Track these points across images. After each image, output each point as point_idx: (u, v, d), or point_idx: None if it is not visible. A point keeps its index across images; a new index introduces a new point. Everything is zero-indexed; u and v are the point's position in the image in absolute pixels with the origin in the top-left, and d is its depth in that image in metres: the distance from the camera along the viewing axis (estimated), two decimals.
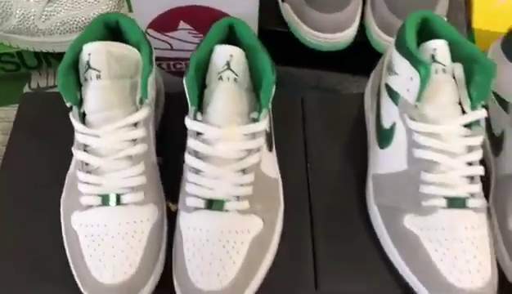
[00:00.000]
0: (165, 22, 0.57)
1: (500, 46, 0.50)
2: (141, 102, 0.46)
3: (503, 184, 0.49)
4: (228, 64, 0.45)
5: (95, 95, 0.44)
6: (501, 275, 0.46)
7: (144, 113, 0.45)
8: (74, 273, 0.45)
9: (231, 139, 0.44)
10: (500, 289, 0.45)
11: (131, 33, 0.47)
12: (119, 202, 0.44)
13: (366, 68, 0.60)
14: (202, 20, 0.57)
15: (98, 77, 0.44)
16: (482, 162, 0.51)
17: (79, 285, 0.44)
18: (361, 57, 0.62)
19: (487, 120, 0.52)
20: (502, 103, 0.49)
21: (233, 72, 0.45)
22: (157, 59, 0.63)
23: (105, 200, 0.44)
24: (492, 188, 0.50)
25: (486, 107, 0.47)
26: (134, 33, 0.47)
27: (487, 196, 0.50)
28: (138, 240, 0.44)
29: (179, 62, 0.63)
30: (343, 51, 0.66)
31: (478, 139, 0.46)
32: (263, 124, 0.46)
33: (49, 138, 0.53)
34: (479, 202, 0.46)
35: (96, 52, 0.44)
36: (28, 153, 0.54)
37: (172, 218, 0.49)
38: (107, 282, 0.43)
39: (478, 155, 0.46)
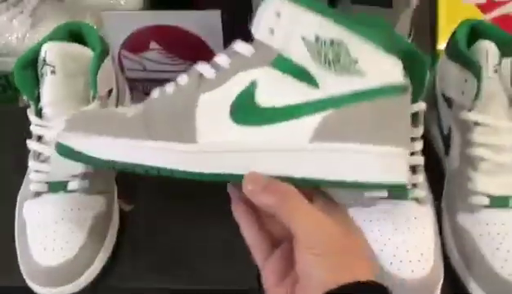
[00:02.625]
0: (137, 42, 0.61)
1: (445, 50, 0.51)
2: (94, 97, 0.49)
3: (452, 178, 0.48)
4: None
5: (49, 88, 0.47)
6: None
7: (94, 106, 0.48)
8: (19, 259, 0.46)
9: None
10: (449, 281, 0.44)
11: (90, 36, 0.51)
12: (65, 189, 0.46)
13: None
14: (171, 39, 0.61)
15: (52, 72, 0.47)
16: (439, 164, 0.52)
17: (21, 269, 0.45)
18: None
19: (439, 121, 0.53)
20: (447, 101, 0.50)
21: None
22: (132, 80, 0.66)
23: (51, 187, 0.46)
24: (445, 186, 0.50)
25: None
26: (93, 36, 0.51)
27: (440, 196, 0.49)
28: (80, 226, 0.45)
29: (153, 84, 0.67)
30: None
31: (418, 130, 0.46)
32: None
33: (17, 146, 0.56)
34: (422, 192, 0.45)
35: (51, 49, 0.47)
36: None
37: (124, 218, 0.51)
38: (46, 264, 0.43)
39: (419, 146, 0.46)
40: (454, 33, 0.50)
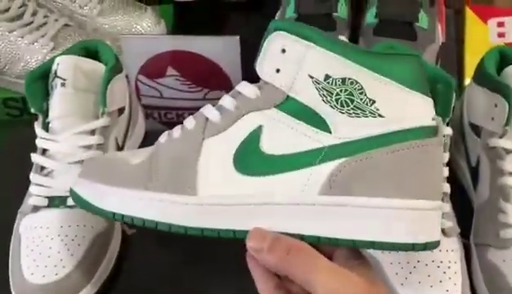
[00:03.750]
0: (154, 68, 0.60)
1: (472, 77, 0.49)
2: (103, 113, 0.47)
3: (481, 212, 0.44)
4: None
5: (58, 101, 0.46)
6: None
7: (102, 122, 0.47)
8: (10, 277, 0.43)
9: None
10: None
11: (105, 54, 0.50)
12: (65, 204, 0.44)
13: None
14: (188, 65, 0.60)
15: (63, 85, 0.46)
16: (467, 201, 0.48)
17: (11, 287, 0.42)
18: None
19: (466, 155, 0.49)
20: (475, 129, 0.47)
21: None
22: (148, 107, 0.65)
23: (51, 202, 0.44)
24: (473, 222, 0.45)
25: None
26: (108, 54, 0.50)
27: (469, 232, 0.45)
28: (78, 244, 0.42)
29: (169, 111, 0.65)
30: None
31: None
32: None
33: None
34: (448, 223, 0.41)
35: (63, 62, 0.47)
36: None
37: (126, 242, 0.48)
38: (35, 282, 0.40)
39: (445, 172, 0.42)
40: (482, 60, 0.47)
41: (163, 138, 0.36)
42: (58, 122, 0.46)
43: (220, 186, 0.32)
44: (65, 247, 0.42)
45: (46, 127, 0.47)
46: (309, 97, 0.32)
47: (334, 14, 0.61)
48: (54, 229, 0.43)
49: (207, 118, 0.35)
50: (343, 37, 0.34)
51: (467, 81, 0.63)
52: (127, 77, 0.56)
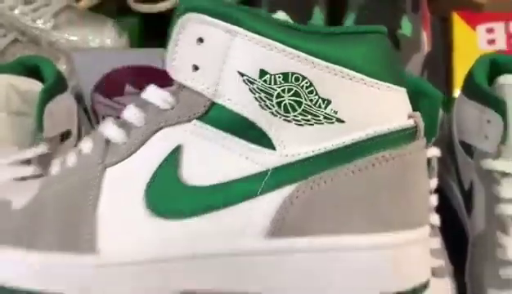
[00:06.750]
0: (110, 85, 0.55)
1: (462, 89, 0.43)
2: (40, 140, 0.41)
3: (476, 246, 0.38)
4: None
5: None
6: None
7: (38, 149, 0.40)
8: None
9: None
10: None
11: (47, 72, 0.44)
12: None
13: None
14: (148, 81, 0.55)
15: None
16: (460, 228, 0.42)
17: None
18: None
19: (458, 175, 0.43)
20: (467, 149, 0.41)
21: None
22: None
23: None
24: (468, 256, 0.40)
25: None
26: (49, 71, 0.44)
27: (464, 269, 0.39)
28: None
29: None
30: None
31: None
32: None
33: None
34: (438, 261, 0.35)
35: None
36: None
37: None
38: None
39: (433, 201, 0.37)
40: (471, 69, 0.42)
41: (55, 167, 0.28)
42: None
43: (126, 238, 0.24)
44: None
45: None
46: (241, 102, 0.25)
47: (309, 21, 0.56)
48: None
49: (107, 140, 0.27)
50: (282, 14, 0.28)
51: (457, 92, 0.58)
52: (80, 96, 0.51)
